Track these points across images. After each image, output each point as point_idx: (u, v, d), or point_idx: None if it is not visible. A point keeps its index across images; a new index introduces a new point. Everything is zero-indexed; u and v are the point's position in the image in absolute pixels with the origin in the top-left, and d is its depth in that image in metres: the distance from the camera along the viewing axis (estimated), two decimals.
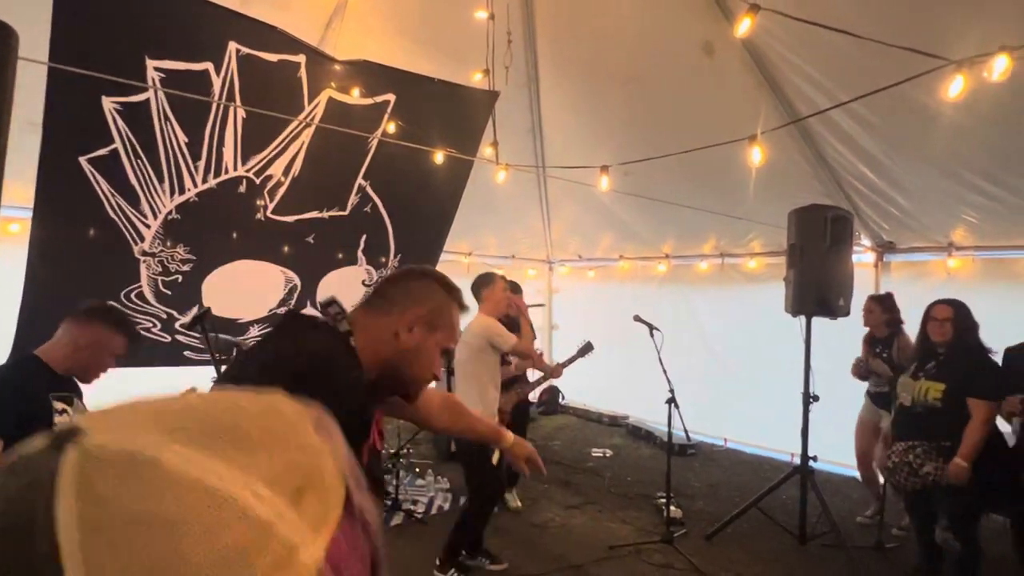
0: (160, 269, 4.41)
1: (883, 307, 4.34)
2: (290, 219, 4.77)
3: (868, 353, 4.38)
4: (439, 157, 4.02)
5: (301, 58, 4.23)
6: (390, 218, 5.19)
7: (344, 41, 4.50)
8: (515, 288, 4.55)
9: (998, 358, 3.32)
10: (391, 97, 4.60)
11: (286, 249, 4.95)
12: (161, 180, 4.13)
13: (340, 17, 4.42)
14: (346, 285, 5.37)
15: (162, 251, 4.35)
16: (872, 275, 5.41)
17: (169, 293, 4.49)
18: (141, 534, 0.27)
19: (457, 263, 7.39)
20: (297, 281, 5.07)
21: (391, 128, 4.51)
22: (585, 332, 6.08)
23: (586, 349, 4.70)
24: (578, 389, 7.65)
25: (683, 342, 6.43)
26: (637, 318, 4.26)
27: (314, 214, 4.86)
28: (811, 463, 4.05)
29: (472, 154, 4.67)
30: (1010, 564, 3.47)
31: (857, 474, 4.75)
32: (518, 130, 6.03)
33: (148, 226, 4.24)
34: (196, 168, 4.20)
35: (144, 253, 4.29)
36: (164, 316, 4.48)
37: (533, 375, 4.80)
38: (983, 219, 4.58)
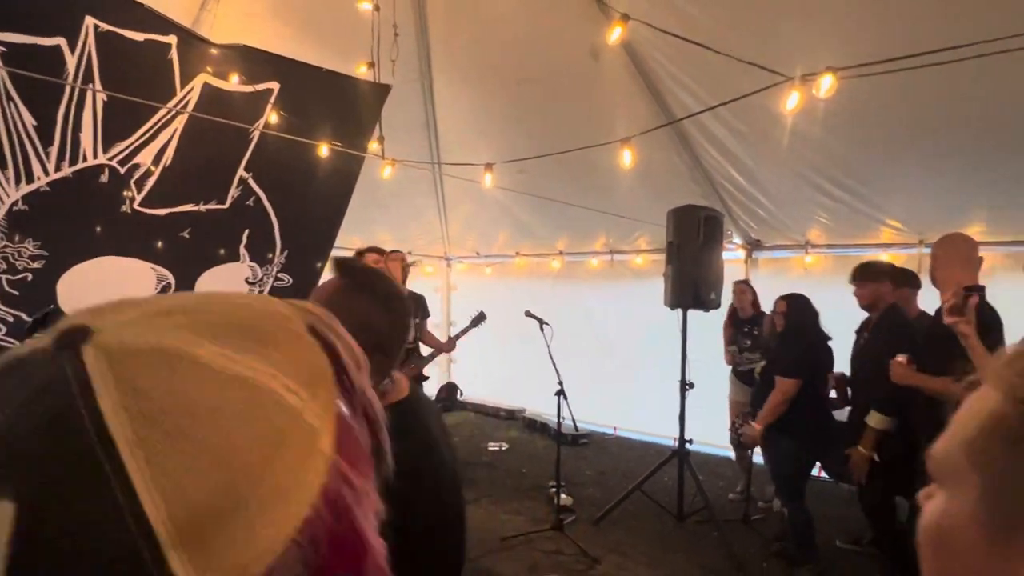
0: (5, 267, 3.94)
1: (752, 289, 4.78)
2: (161, 212, 4.43)
3: (733, 334, 4.82)
4: (323, 150, 3.88)
5: (172, 39, 3.93)
6: (275, 213, 4.95)
7: (222, 24, 4.23)
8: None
9: (840, 343, 3.75)
10: (275, 85, 4.38)
11: (158, 244, 4.59)
12: (4, 167, 3.70)
13: None
14: (227, 282, 5.07)
15: (7, 247, 3.89)
16: (743, 270, 5.88)
17: (16, 294, 4.03)
18: (193, 424, 0.28)
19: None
20: (171, 279, 4.72)
21: (274, 118, 4.30)
22: (483, 327, 6.15)
23: (479, 319, 4.72)
24: (476, 384, 7.71)
25: (576, 336, 6.66)
26: (528, 313, 4.36)
27: (189, 207, 4.54)
28: (688, 446, 4.35)
29: (362, 148, 4.56)
30: (853, 522, 3.94)
31: (732, 454, 5.16)
32: (413, 125, 5.97)
33: None
34: (47, 155, 3.79)
35: None
36: (11, 320, 4.02)
37: (426, 349, 4.82)
38: (833, 220, 5.12)
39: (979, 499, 0.39)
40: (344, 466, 0.33)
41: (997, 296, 3.50)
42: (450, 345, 4.59)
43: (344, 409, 0.36)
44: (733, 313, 4.93)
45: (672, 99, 4.57)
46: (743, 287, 4.89)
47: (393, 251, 4.36)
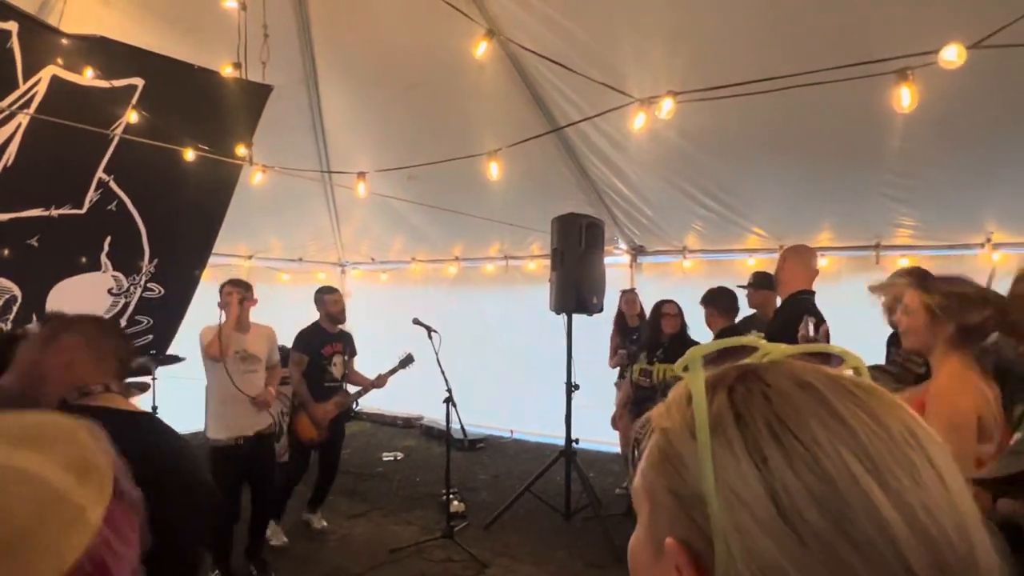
0: None
1: (639, 299, 5.02)
2: (4, 217, 3.98)
3: (620, 340, 5.04)
4: (189, 154, 3.66)
5: (12, 25, 3.54)
6: (142, 218, 4.59)
7: (73, 12, 3.88)
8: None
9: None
10: (138, 82, 4.06)
11: (2, 253, 4.12)
12: None
13: None
14: (88, 293, 4.64)
15: None
16: (628, 274, 6.17)
17: None
18: None
19: (237, 267, 6.82)
20: (16, 291, 4.25)
21: (136, 118, 4.00)
22: (380, 334, 5.99)
23: (407, 361, 4.54)
24: (371, 393, 7.54)
25: (474, 341, 6.71)
26: (416, 321, 4.33)
27: (38, 211, 4.11)
28: (575, 445, 4.49)
29: (239, 152, 4.33)
30: None
31: (618, 449, 5.38)
32: (299, 129, 5.76)
33: None
34: None
35: None
36: None
37: (352, 387, 4.61)
38: (707, 228, 5.49)
39: (647, 522, 0.44)
40: (108, 534, 0.45)
41: (840, 297, 3.92)
42: (381, 382, 4.45)
43: (116, 494, 0.48)
44: (620, 319, 5.16)
45: (555, 107, 4.72)
46: (632, 296, 5.13)
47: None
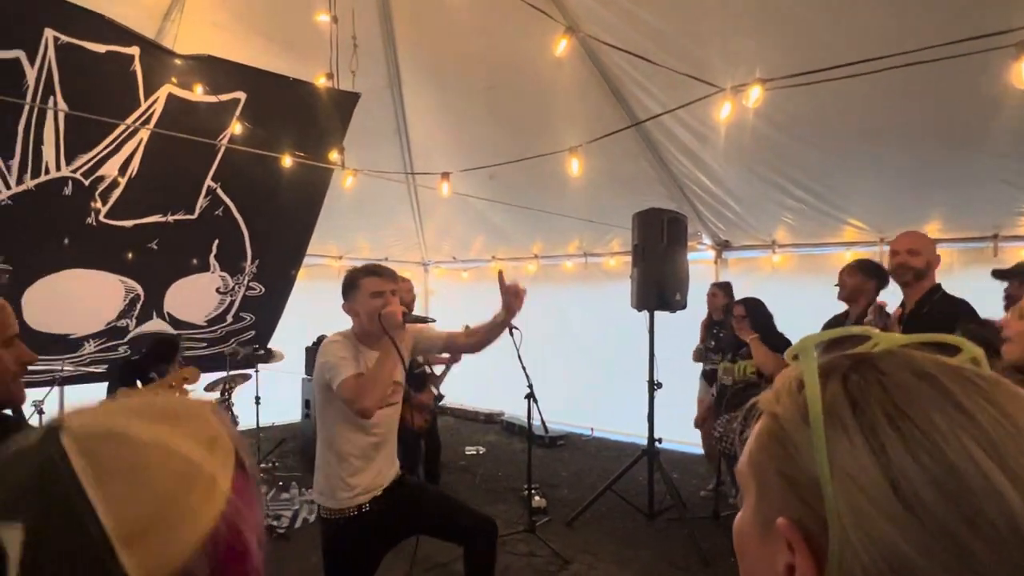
0: None
1: (724, 292, 4.85)
2: (128, 224, 4.41)
3: (704, 334, 4.90)
4: (286, 161, 3.90)
5: (134, 50, 3.92)
6: (245, 222, 4.95)
7: (186, 35, 4.23)
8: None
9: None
10: (241, 95, 4.38)
11: (126, 256, 4.57)
12: None
13: (179, 8, 4.16)
14: (198, 292, 5.06)
15: None
16: (712, 270, 5.98)
17: None
18: (129, 475, 0.45)
19: (327, 267, 7.20)
20: (140, 291, 4.70)
21: (240, 129, 4.30)
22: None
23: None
24: (455, 389, 7.72)
25: (553, 338, 6.74)
26: None
27: (157, 218, 4.53)
28: (658, 445, 4.41)
29: (330, 157, 4.57)
30: None
31: (702, 451, 5.23)
32: (384, 133, 6.00)
33: None
34: (9, 168, 3.77)
35: None
36: None
37: (438, 367, 4.85)
38: (797, 221, 5.22)
39: (755, 503, 0.45)
40: (236, 500, 0.49)
41: (953, 291, 3.62)
42: (456, 356, 4.48)
43: (237, 464, 0.53)
44: (710, 313, 5.02)
45: (635, 102, 4.65)
46: (714, 291, 4.97)
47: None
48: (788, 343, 3.73)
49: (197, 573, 0.45)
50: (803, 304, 4.75)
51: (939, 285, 2.85)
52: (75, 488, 0.42)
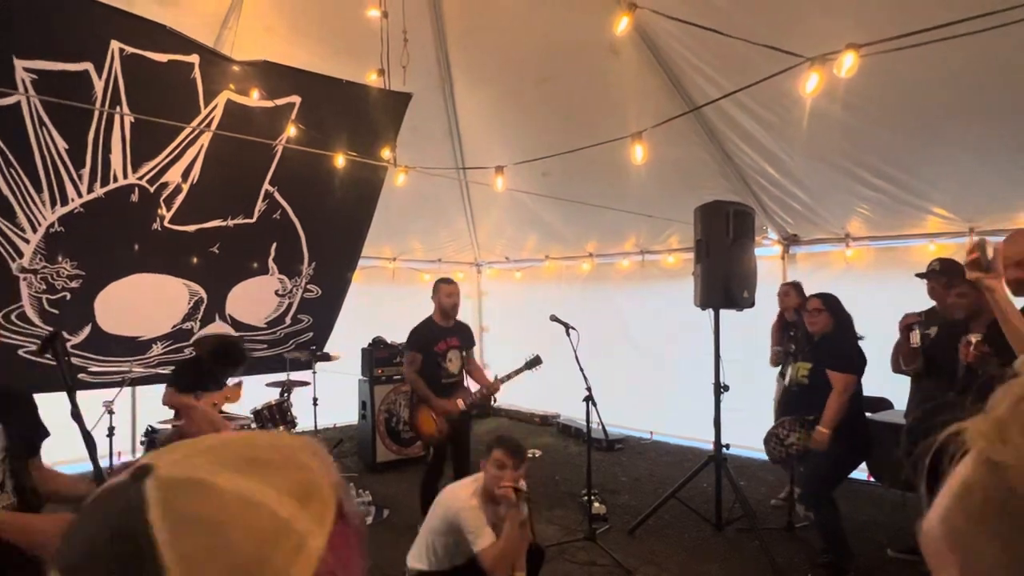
0: (44, 287, 4.09)
1: (797, 291, 4.55)
2: (191, 228, 4.53)
3: (780, 336, 4.60)
4: (339, 160, 3.89)
5: (194, 58, 4.01)
6: (302, 225, 5.01)
7: (242, 40, 4.30)
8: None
9: (873, 343, 3.57)
10: (296, 99, 4.43)
11: (190, 260, 4.69)
12: (39, 190, 3.83)
13: (236, 15, 4.23)
14: (258, 295, 5.16)
15: (45, 267, 4.04)
16: (780, 266, 5.66)
17: (56, 312, 4.17)
18: (207, 532, 0.41)
19: (382, 268, 7.25)
20: (203, 294, 4.82)
21: (296, 132, 4.34)
22: (514, 333, 6.01)
23: (534, 362, 4.31)
24: (509, 390, 7.64)
25: (610, 339, 6.55)
26: (553, 318, 4.26)
27: (217, 223, 4.62)
28: (725, 451, 4.17)
29: (383, 157, 4.56)
30: (879, 527, 3.73)
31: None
32: (436, 132, 5.97)
33: (27, 240, 3.92)
34: (80, 176, 3.91)
35: (24, 270, 3.97)
36: None
37: (474, 385, 4.59)
38: (874, 211, 4.86)
39: None
40: (331, 558, 0.43)
41: None
42: (496, 386, 4.21)
43: (338, 514, 0.47)
44: (781, 314, 4.72)
45: (694, 89, 4.43)
46: (786, 289, 4.66)
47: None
48: (858, 354, 3.46)
49: None
50: (881, 303, 4.42)
51: None
52: (149, 548, 0.39)
